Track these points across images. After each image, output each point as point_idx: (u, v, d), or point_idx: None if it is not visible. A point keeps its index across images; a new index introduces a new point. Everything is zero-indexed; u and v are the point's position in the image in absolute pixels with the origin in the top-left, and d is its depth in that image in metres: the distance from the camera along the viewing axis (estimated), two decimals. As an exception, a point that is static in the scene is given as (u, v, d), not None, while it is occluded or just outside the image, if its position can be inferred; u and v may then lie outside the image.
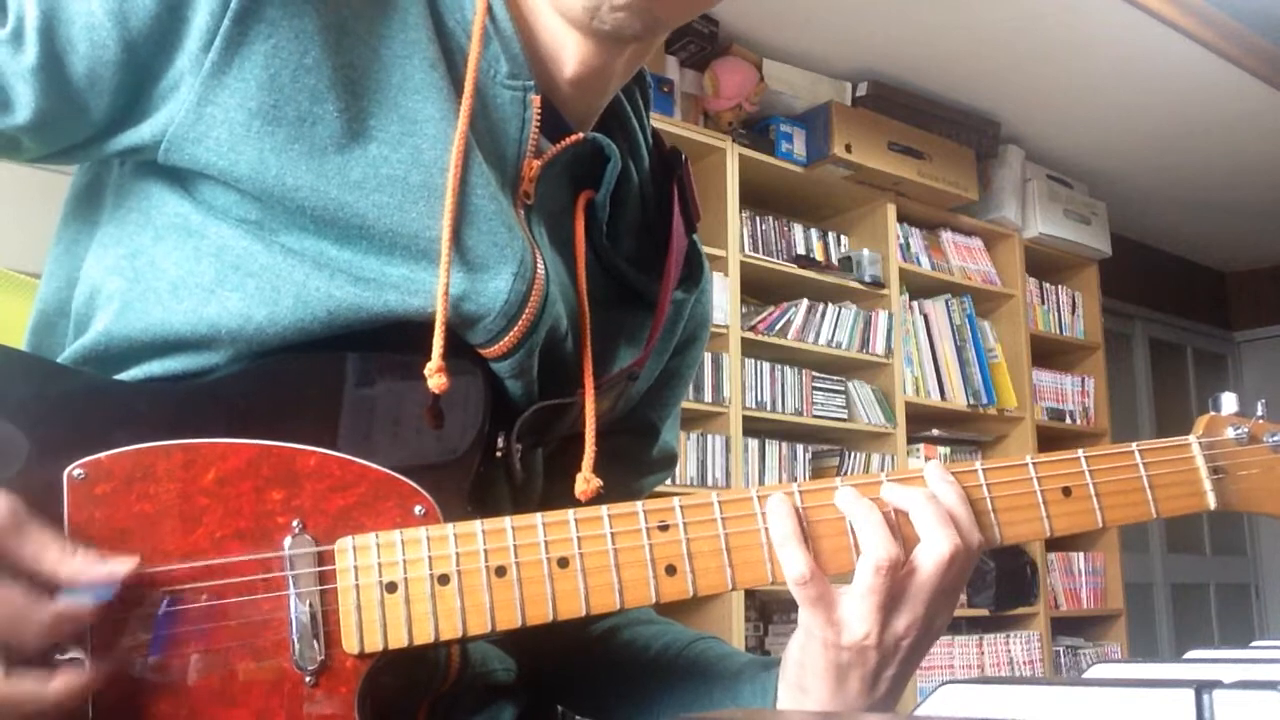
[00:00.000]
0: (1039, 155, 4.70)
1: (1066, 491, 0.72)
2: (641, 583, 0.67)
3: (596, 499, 0.73)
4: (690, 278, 0.90)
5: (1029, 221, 4.59)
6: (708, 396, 3.45)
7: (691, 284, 0.90)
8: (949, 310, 4.34)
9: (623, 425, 0.88)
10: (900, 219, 4.18)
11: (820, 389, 3.83)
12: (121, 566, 0.60)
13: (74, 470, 0.62)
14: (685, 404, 3.25)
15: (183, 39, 0.66)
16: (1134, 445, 0.74)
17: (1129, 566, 4.98)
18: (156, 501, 0.62)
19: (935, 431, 4.20)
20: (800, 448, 3.79)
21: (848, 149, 3.78)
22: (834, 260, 4.03)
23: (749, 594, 3.49)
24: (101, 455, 0.62)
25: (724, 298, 3.52)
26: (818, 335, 3.83)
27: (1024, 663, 4.22)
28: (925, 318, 4.26)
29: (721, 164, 3.63)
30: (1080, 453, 0.73)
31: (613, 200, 0.83)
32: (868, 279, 3.97)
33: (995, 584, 4.12)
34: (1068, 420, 4.70)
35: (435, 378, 0.68)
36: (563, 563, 0.66)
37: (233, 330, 0.67)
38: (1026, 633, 4.28)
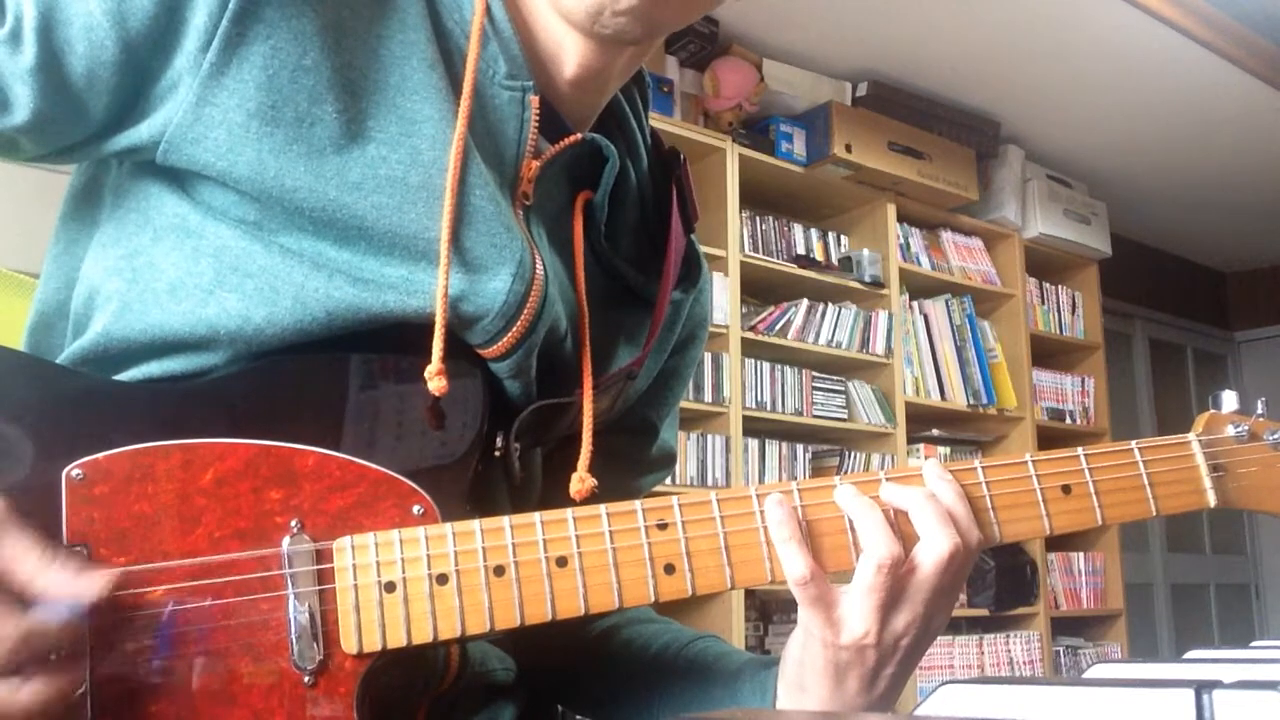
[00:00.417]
0: (1039, 155, 4.70)
1: (1066, 489, 0.72)
2: (640, 582, 0.66)
3: (594, 498, 0.73)
4: (688, 277, 0.90)
5: (1029, 221, 4.59)
6: (708, 396, 3.45)
7: (690, 284, 0.90)
8: (949, 310, 4.34)
9: (621, 425, 0.88)
10: (900, 219, 4.18)
11: (820, 389, 3.83)
12: (100, 581, 0.58)
13: (72, 471, 0.62)
14: (685, 404, 3.25)
15: (181, 39, 0.66)
16: (1134, 443, 0.74)
17: (1129, 566, 4.98)
18: (155, 502, 0.62)
19: (935, 431, 4.20)
20: (800, 448, 3.79)
21: (848, 149, 3.78)
22: (834, 260, 4.03)
23: (749, 593, 3.48)
24: (100, 456, 0.62)
25: (724, 298, 3.52)
26: (818, 335, 3.83)
27: (1024, 663, 4.22)
28: (925, 318, 4.26)
29: (721, 164, 3.64)
30: (1080, 451, 0.73)
31: (611, 200, 0.83)
32: (868, 279, 3.97)
33: (995, 584, 4.13)
34: (1068, 420, 4.70)
35: (435, 380, 0.68)
36: (561, 562, 0.66)
37: (231, 331, 0.67)
38: (1026, 633, 4.28)
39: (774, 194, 3.94)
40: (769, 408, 3.65)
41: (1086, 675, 0.44)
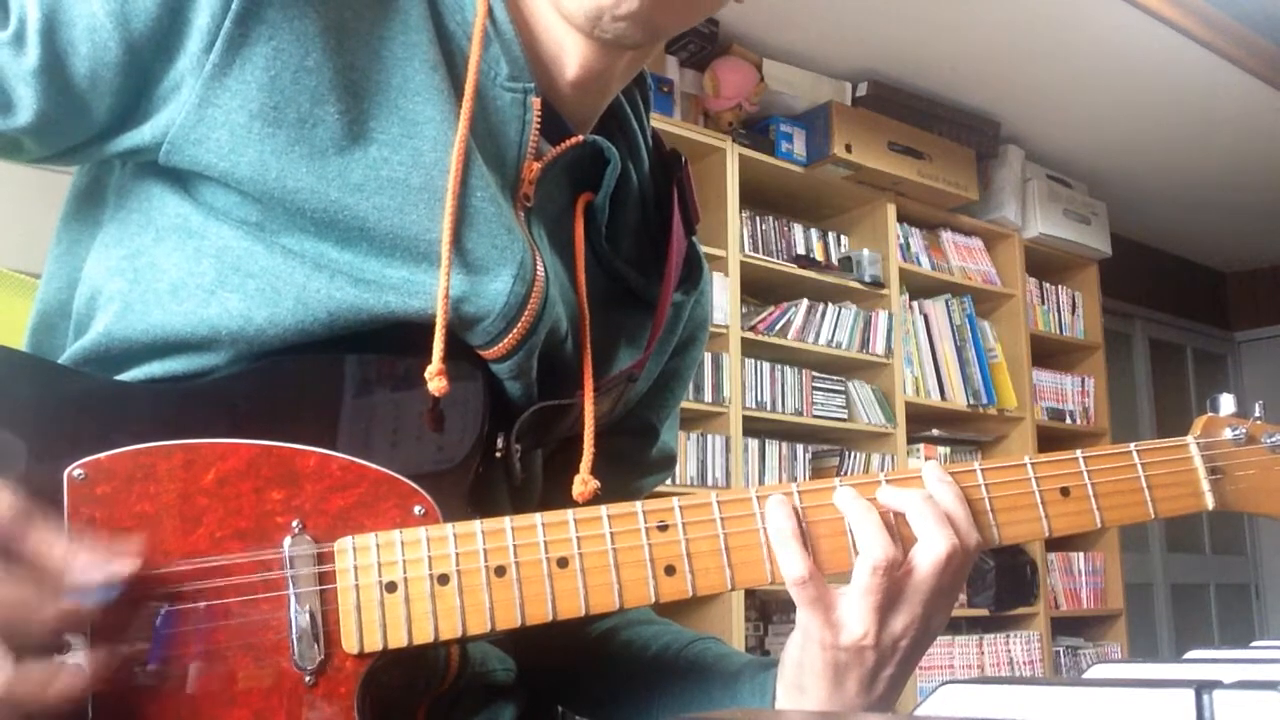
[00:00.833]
0: (1039, 155, 4.70)
1: (1065, 492, 0.72)
2: (640, 583, 0.67)
3: (595, 500, 0.73)
4: (689, 279, 0.90)
5: (1029, 221, 4.59)
6: (708, 396, 3.45)
7: (691, 285, 0.90)
8: (949, 310, 4.34)
9: (622, 426, 0.89)
10: (900, 219, 4.18)
11: (820, 389, 3.83)
12: (125, 564, 0.60)
13: (74, 470, 0.62)
14: (685, 404, 3.25)
15: (184, 40, 0.66)
16: (1132, 446, 0.74)
17: (1129, 566, 4.98)
18: (157, 502, 0.63)
19: (935, 431, 4.20)
20: (800, 448, 3.79)
21: (848, 149, 3.78)
22: (834, 260, 4.03)
23: (749, 594, 3.49)
24: (101, 456, 0.62)
25: (724, 298, 3.52)
26: (818, 335, 3.83)
27: (1024, 663, 4.22)
28: (925, 318, 4.26)
29: (721, 164, 3.64)
30: (1078, 453, 0.73)
31: (612, 202, 0.83)
32: (868, 279, 3.97)
33: (995, 584, 4.13)
34: (1068, 420, 4.70)
35: (435, 381, 0.68)
36: (562, 563, 0.66)
37: (233, 331, 0.67)
38: (1026, 633, 4.28)
39: (774, 194, 3.94)
40: (769, 408, 3.65)
41: (1086, 675, 0.45)
